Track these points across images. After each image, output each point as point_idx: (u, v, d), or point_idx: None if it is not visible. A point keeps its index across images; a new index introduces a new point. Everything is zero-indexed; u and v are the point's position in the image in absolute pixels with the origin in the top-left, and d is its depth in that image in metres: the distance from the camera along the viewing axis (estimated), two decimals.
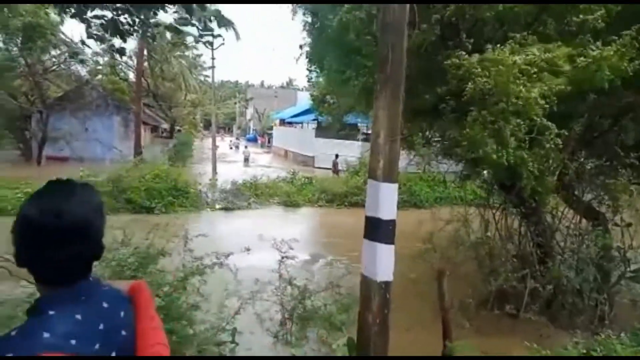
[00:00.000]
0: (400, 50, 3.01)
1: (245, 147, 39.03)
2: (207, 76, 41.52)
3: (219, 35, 21.90)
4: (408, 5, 3.07)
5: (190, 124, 41.79)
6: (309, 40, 8.80)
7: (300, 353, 4.39)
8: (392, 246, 2.85)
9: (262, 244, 5.81)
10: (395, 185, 2.92)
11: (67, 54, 22.53)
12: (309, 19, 8.46)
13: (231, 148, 46.40)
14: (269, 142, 48.31)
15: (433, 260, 6.82)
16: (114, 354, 1.13)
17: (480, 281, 6.91)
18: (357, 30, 6.53)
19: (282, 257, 5.38)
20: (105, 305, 1.16)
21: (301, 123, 35.98)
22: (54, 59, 23.32)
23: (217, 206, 15.52)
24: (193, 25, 4.36)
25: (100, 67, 27.47)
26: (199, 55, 38.66)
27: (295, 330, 4.87)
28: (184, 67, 35.82)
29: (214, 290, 4.74)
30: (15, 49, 20.46)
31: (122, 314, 1.20)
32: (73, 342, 1.04)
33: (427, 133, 8.45)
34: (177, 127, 38.42)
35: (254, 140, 56.53)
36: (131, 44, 24.86)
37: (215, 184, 17.37)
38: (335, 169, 22.15)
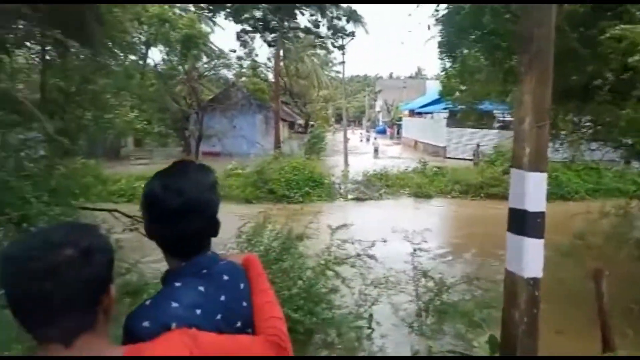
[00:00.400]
0: (548, 26, 2.76)
1: (375, 138, 39.17)
2: (338, 72, 42.82)
3: (351, 34, 22.43)
4: None
5: (323, 118, 43.51)
6: (439, 27, 8.51)
7: (437, 346, 4.34)
8: (542, 240, 2.65)
9: (395, 234, 5.84)
10: (545, 175, 2.70)
11: (216, 61, 25.30)
12: (439, 5, 8.17)
13: (361, 140, 47.02)
14: (398, 133, 47.83)
15: (586, 258, 6.11)
16: (239, 324, 1.19)
17: None
18: (494, 10, 6.12)
19: (415, 249, 5.36)
20: (225, 277, 1.23)
21: (431, 113, 34.81)
22: (205, 66, 26.34)
23: (350, 197, 15.97)
24: (327, 27, 4.55)
25: (243, 70, 30.14)
26: (330, 52, 39.94)
27: (430, 323, 4.83)
28: (316, 65, 37.41)
29: (351, 277, 4.94)
30: (175, 58, 23.61)
31: (241, 286, 1.26)
32: (198, 312, 1.11)
33: (575, 117, 7.55)
34: (311, 122, 40.26)
35: (383, 132, 56.43)
36: (268, 48, 26.79)
37: (347, 175, 17.88)
38: (476, 159, 21.04)
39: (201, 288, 1.16)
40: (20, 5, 5.03)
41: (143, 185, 1.24)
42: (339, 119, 50.47)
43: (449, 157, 26.10)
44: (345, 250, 4.94)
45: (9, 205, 3.73)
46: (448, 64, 11.15)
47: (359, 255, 4.84)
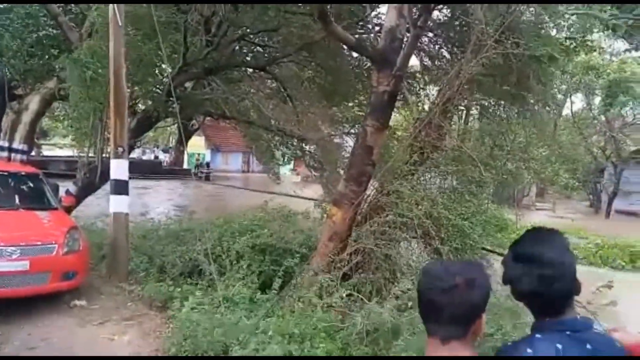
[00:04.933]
0: None
1: None
2: None
3: None
4: None
5: None
6: None
7: None
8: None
9: None
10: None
11: None
12: None
13: None
14: None
15: None
16: None
17: None
18: None
19: None
20: (588, 346, 1.21)
21: None
22: (632, 112, 22.99)
23: None
24: None
25: None
26: None
27: None
28: None
29: None
30: (595, 107, 21.84)
31: None
32: None
33: None
34: None
35: None
36: None
37: None
38: None
39: (559, 346, 1.21)
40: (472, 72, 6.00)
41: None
42: None
43: None
44: None
45: (451, 238, 4.69)
46: None
47: None
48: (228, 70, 9.44)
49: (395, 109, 9.21)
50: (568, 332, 1.25)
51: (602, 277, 4.95)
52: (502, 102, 7.49)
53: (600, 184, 23.43)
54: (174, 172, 28.00)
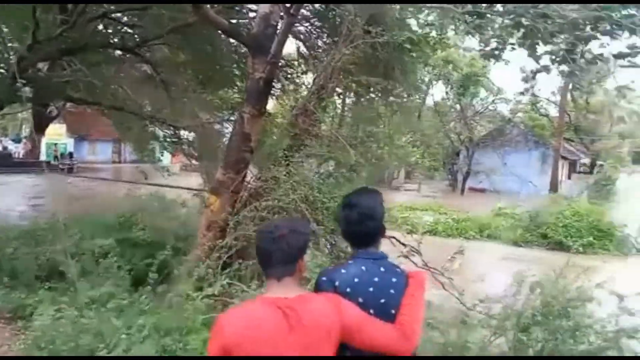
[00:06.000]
0: None
1: None
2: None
3: None
4: None
5: (616, 157, 36.71)
6: None
7: None
8: None
9: None
10: None
11: (493, 97, 25.02)
12: None
13: None
14: None
15: None
16: (383, 301, 1.69)
17: None
18: None
19: None
20: (382, 269, 1.77)
21: None
22: (482, 102, 26.34)
23: None
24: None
25: (521, 106, 28.71)
26: (632, 82, 33.69)
27: None
28: (610, 96, 32.12)
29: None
30: (452, 96, 24.55)
31: (393, 279, 1.75)
32: (356, 280, 1.70)
33: None
34: (599, 162, 34.66)
35: None
36: (555, 81, 24.74)
37: None
38: None
39: (363, 267, 1.75)
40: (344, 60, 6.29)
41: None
42: (637, 159, 41.67)
43: None
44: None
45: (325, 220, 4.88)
46: None
47: None
48: (90, 51, 8.51)
49: (274, 96, 9.26)
50: (372, 260, 1.78)
51: (456, 247, 5.59)
52: (372, 91, 7.97)
53: (457, 165, 26.46)
54: (26, 164, 24.57)
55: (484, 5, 5.02)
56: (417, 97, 16.79)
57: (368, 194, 1.94)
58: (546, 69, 4.90)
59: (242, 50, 9.30)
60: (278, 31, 5.07)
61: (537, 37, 4.52)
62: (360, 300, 1.64)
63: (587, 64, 4.81)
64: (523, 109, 29.06)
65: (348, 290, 1.66)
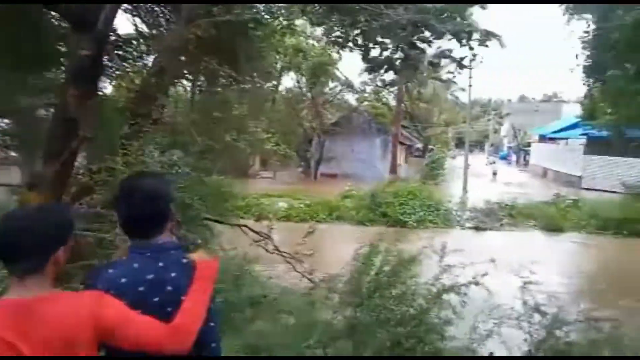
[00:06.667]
0: None
1: (493, 162, 37.65)
2: (457, 97, 41.57)
3: (474, 58, 21.75)
4: None
5: (443, 142, 42.51)
6: (584, 48, 8.01)
7: None
8: None
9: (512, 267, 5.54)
10: None
11: (341, 86, 26.59)
12: (589, 25, 7.69)
13: (487, 165, 44.81)
14: (524, 159, 44.77)
15: None
16: (157, 299, 1.49)
17: None
18: None
19: (526, 283, 5.05)
20: (160, 264, 1.53)
21: (565, 139, 31.95)
22: (331, 91, 27.78)
23: (467, 225, 15.40)
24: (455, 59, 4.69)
25: (366, 95, 31.10)
26: (453, 75, 39.19)
27: None
28: (439, 88, 36.94)
29: (461, 307, 4.80)
30: (304, 85, 25.38)
31: (173, 274, 1.53)
32: (123, 280, 1.48)
33: None
34: (430, 146, 39.68)
35: (505, 158, 53.56)
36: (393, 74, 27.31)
37: (466, 202, 17.27)
38: None
39: (136, 265, 1.52)
40: (186, 41, 5.98)
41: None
42: (459, 144, 48.79)
43: (584, 188, 23.59)
44: (457, 278, 4.84)
45: None
46: (593, 86, 10.33)
47: (474, 284, 4.72)
48: None
49: (111, 78, 8.35)
50: (148, 254, 1.53)
51: (306, 230, 5.80)
52: (222, 76, 7.73)
53: (309, 152, 27.58)
54: None
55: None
56: (269, 84, 16.92)
57: (153, 177, 1.83)
58: (372, 69, 5.30)
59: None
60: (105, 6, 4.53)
61: (369, 38, 4.86)
62: (128, 301, 1.45)
63: (407, 67, 5.35)
64: (367, 98, 31.53)
65: (112, 292, 1.46)
